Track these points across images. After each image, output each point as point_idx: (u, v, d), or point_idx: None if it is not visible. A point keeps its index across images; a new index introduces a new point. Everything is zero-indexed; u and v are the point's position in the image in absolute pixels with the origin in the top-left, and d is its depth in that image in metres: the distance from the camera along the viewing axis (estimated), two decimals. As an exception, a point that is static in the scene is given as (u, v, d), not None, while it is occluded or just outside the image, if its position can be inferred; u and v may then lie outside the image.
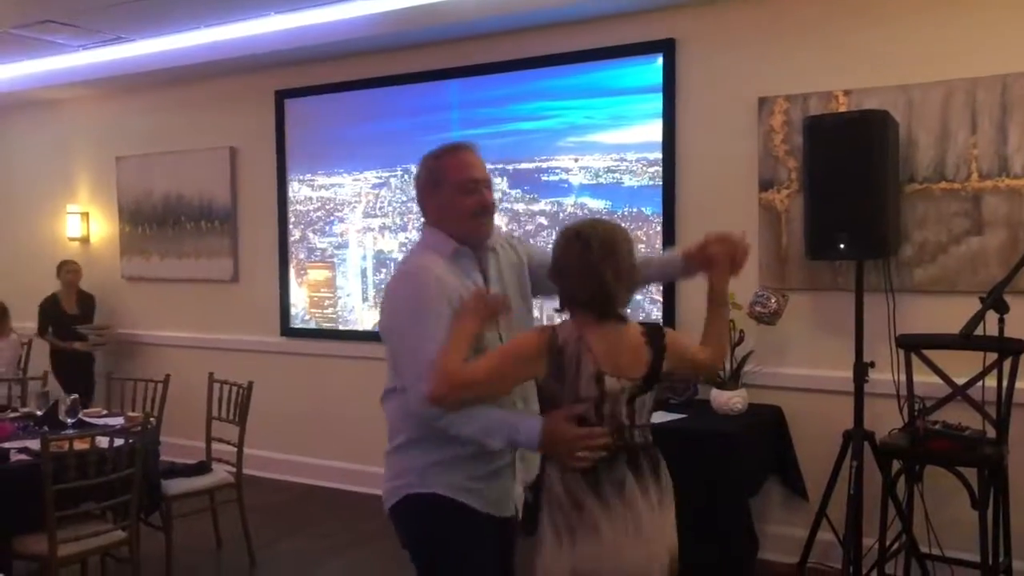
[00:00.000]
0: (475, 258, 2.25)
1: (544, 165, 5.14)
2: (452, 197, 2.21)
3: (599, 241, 2.09)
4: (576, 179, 5.03)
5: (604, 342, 2.09)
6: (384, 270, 5.75)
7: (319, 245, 5.93)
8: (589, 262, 2.07)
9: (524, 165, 5.21)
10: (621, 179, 4.88)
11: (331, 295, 5.91)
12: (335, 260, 5.89)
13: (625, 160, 4.85)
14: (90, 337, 6.25)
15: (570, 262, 2.11)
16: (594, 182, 4.97)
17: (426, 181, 2.27)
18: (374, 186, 5.70)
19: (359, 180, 5.77)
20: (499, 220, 5.28)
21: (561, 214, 5.07)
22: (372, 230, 5.77)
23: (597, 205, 4.96)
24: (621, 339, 2.13)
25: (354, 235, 5.83)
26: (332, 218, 5.90)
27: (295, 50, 5.40)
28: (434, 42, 5.17)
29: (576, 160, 5.01)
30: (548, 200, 5.14)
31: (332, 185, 5.88)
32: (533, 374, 2.11)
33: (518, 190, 5.23)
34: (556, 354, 2.07)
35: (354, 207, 5.81)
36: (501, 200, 5.22)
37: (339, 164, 5.82)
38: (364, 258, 5.78)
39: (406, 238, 5.62)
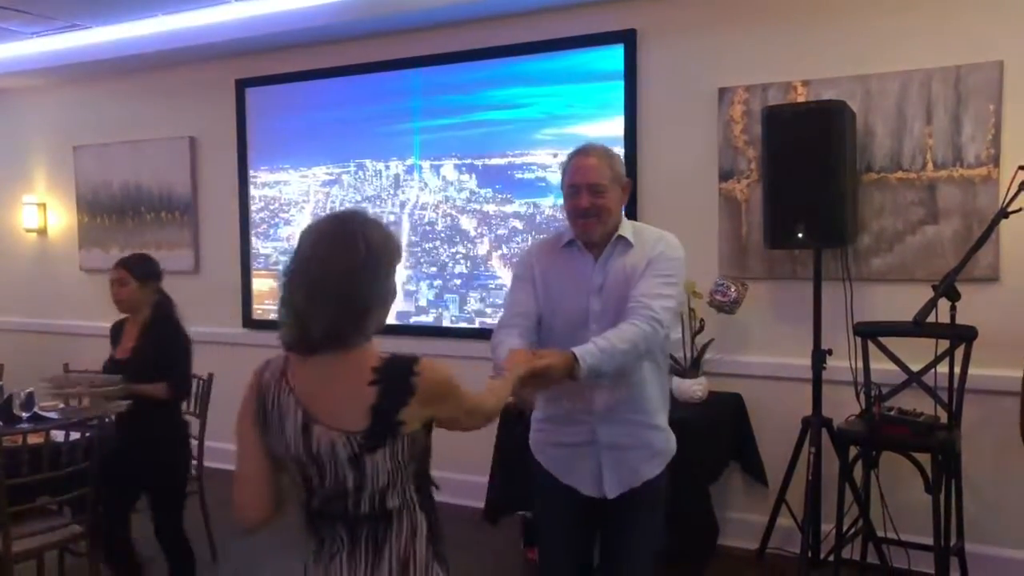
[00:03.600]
0: (589, 252, 2.49)
1: (518, 161, 4.81)
2: (565, 198, 2.50)
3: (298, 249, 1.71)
4: (555, 177, 4.61)
5: (309, 382, 1.69)
6: None
7: (262, 251, 5.72)
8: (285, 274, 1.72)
9: (495, 160, 4.88)
10: None
11: (265, 320, 5.67)
12: (280, 268, 5.70)
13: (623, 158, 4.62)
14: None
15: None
16: None
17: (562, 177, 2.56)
18: (324, 183, 5.46)
19: (307, 177, 5.51)
20: (467, 223, 5.05)
21: (538, 217, 4.77)
22: None
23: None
24: (334, 377, 1.67)
25: None
26: (277, 220, 5.65)
27: (256, 38, 5.33)
28: (398, 30, 5.12)
29: (555, 155, 4.69)
30: (523, 201, 4.82)
31: (277, 183, 5.63)
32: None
33: (488, 189, 4.92)
34: (261, 398, 1.75)
35: (302, 207, 5.54)
36: (469, 200, 5.02)
37: (286, 159, 5.56)
38: None
39: None
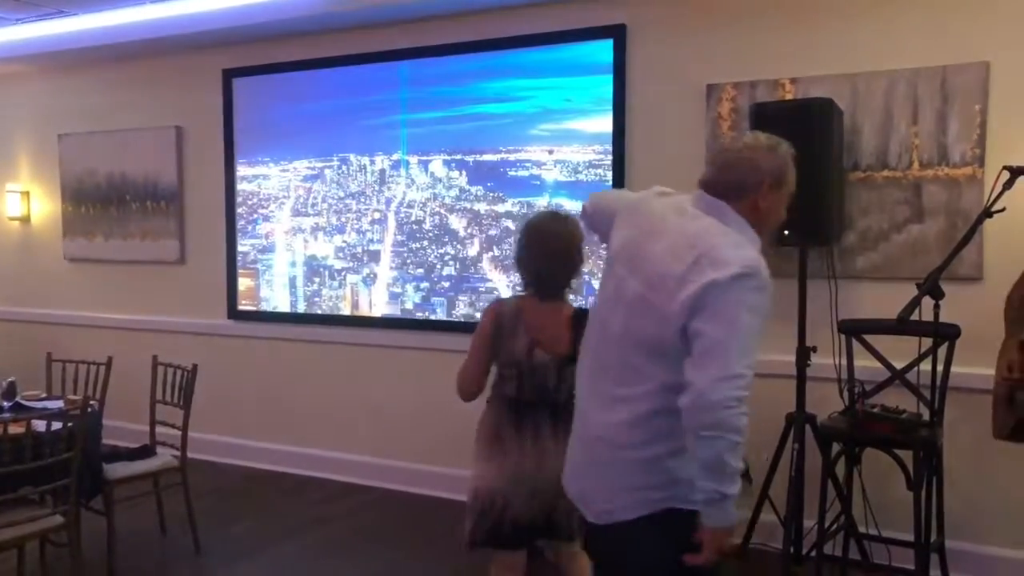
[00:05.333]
0: None
1: (512, 157, 4.66)
2: (781, 204, 2.12)
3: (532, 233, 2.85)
4: (551, 175, 4.56)
5: (536, 318, 2.79)
6: (317, 279, 5.34)
7: (240, 248, 5.63)
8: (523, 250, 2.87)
9: (487, 156, 4.74)
10: (605, 176, 4.43)
11: (254, 308, 5.63)
12: (259, 267, 5.56)
13: (611, 153, 4.43)
14: None
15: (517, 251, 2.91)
16: (572, 179, 4.50)
17: (776, 175, 2.08)
18: (305, 178, 5.34)
19: (288, 171, 5.39)
20: (457, 222, 4.89)
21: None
22: (303, 231, 5.36)
23: (576, 207, 4.53)
24: (552, 316, 2.80)
25: (281, 237, 5.43)
26: (256, 216, 5.54)
27: (244, 27, 5.29)
28: (387, 21, 5.09)
29: (551, 152, 4.57)
30: (516, 200, 4.67)
31: (256, 177, 5.52)
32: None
33: (479, 187, 4.78)
34: (498, 322, 2.81)
35: (281, 203, 5.43)
36: (458, 198, 4.89)
37: (267, 152, 5.45)
38: (293, 265, 5.43)
39: (343, 241, 5.25)
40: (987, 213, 3.30)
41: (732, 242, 1.98)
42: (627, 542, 2.06)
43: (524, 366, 2.79)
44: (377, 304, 5.23)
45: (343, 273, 5.33)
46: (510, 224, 4.73)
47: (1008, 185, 3.24)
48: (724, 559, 2.02)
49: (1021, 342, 3.23)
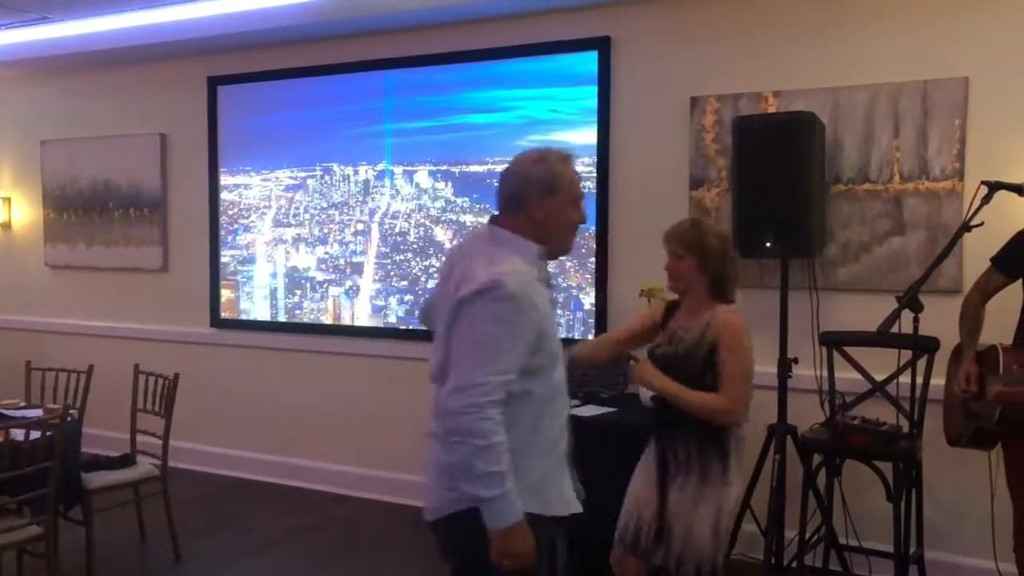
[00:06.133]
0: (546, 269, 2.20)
1: (498, 168, 4.59)
2: (564, 207, 2.17)
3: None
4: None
5: None
6: (299, 291, 5.31)
7: (221, 259, 5.59)
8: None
9: (474, 167, 4.74)
10: (591, 188, 4.40)
11: (234, 320, 5.61)
12: (238, 279, 5.53)
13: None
14: None
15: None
16: None
17: (543, 182, 2.15)
18: (287, 188, 5.31)
19: (269, 180, 5.35)
20: (442, 234, 4.88)
21: (519, 228, 4.70)
22: (284, 242, 5.33)
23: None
24: None
25: (262, 248, 5.40)
26: (236, 227, 5.51)
27: (229, 35, 5.28)
28: (372, 31, 5.10)
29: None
30: None
31: (237, 186, 5.49)
32: None
33: (465, 198, 4.77)
34: None
35: (262, 214, 5.38)
36: (444, 209, 4.88)
37: (248, 161, 5.41)
38: (274, 276, 5.39)
39: (326, 253, 5.23)
40: (966, 227, 3.32)
41: (488, 261, 2.06)
42: (448, 538, 2.21)
43: None
44: (360, 317, 5.21)
45: (325, 285, 5.30)
46: (496, 235, 4.73)
47: (986, 200, 3.27)
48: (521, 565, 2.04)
49: (979, 354, 3.27)
